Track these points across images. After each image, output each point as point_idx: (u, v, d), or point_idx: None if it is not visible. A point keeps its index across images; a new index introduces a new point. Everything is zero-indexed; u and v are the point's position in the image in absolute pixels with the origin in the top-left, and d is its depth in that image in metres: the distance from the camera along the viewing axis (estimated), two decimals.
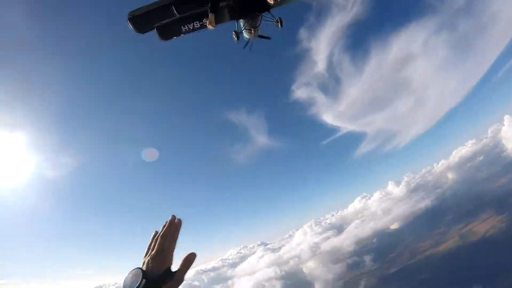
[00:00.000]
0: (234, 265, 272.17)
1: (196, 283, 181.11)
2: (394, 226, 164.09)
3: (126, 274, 2.08)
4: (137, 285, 2.10)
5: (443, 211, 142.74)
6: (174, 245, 2.43)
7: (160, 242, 2.44)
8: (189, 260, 2.47)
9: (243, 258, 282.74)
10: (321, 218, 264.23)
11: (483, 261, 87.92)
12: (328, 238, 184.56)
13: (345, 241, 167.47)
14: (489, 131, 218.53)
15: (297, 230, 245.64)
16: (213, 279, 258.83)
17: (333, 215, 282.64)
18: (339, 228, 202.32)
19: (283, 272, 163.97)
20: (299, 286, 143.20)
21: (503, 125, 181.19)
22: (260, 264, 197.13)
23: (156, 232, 2.52)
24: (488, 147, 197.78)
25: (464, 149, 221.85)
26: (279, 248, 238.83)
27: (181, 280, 2.37)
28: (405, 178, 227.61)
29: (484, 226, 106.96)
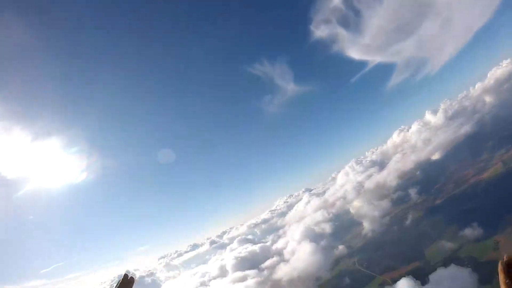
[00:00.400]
0: (283, 214, 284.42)
1: (250, 236, 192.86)
2: (436, 156, 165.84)
3: None
4: None
5: (484, 137, 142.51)
6: None
7: None
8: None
9: (290, 207, 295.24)
10: (361, 157, 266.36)
11: None
12: (370, 175, 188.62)
13: (388, 176, 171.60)
14: None
15: (339, 172, 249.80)
16: (265, 231, 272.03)
17: (373, 152, 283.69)
18: (380, 164, 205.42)
19: (330, 215, 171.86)
20: (347, 226, 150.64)
21: None
22: (307, 210, 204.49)
23: None
24: None
25: (499, 70, 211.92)
26: (324, 192, 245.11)
27: None
28: (442, 106, 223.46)
29: None
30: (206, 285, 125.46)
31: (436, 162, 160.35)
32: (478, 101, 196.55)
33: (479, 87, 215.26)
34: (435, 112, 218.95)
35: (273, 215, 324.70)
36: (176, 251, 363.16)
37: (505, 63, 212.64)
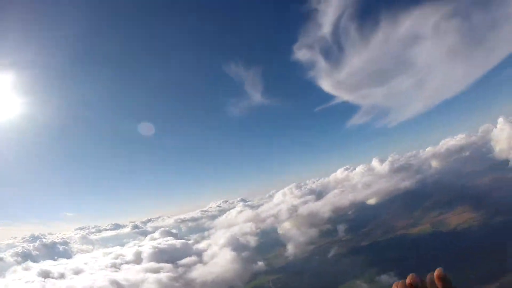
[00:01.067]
0: (213, 217, 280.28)
1: (174, 230, 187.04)
2: (372, 201, 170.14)
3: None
4: None
5: (421, 197, 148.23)
6: None
7: None
8: None
9: (222, 212, 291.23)
10: (302, 183, 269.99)
11: (449, 251, 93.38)
12: (306, 202, 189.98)
13: (323, 207, 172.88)
14: (480, 129, 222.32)
15: (278, 191, 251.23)
16: (191, 229, 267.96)
17: (314, 182, 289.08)
18: (318, 194, 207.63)
19: (258, 230, 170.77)
20: (272, 244, 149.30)
21: (495, 126, 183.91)
22: (238, 219, 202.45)
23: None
24: (477, 145, 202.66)
25: (452, 141, 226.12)
26: (258, 206, 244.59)
27: None
28: (390, 158, 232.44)
29: (457, 219, 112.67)
30: (117, 268, 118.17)
31: (370, 207, 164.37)
32: (424, 163, 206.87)
33: (429, 151, 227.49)
34: (382, 161, 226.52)
35: (203, 215, 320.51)
36: (96, 226, 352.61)
37: (459, 136, 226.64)
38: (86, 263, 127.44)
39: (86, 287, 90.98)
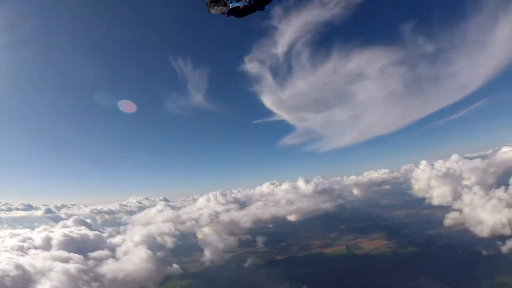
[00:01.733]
0: (131, 212, 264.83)
1: (89, 220, 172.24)
2: (292, 218, 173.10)
3: None
4: None
5: (339, 220, 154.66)
6: None
7: None
8: None
9: (142, 208, 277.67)
10: (228, 191, 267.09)
11: (360, 273, 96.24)
12: (229, 210, 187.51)
13: (244, 217, 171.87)
14: (403, 168, 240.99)
15: (202, 195, 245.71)
16: (107, 222, 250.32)
17: (239, 191, 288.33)
18: (241, 204, 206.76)
19: (177, 231, 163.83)
20: (189, 248, 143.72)
21: (417, 167, 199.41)
22: (157, 218, 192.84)
23: None
24: (397, 181, 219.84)
25: (375, 174, 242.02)
26: (180, 207, 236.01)
27: None
28: (315, 180, 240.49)
29: (371, 244, 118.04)
30: (24, 252, 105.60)
31: (290, 223, 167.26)
32: (346, 189, 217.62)
33: (353, 180, 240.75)
34: (307, 182, 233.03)
35: (122, 209, 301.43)
36: (7, 204, 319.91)
37: (383, 171, 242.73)
38: None
39: None
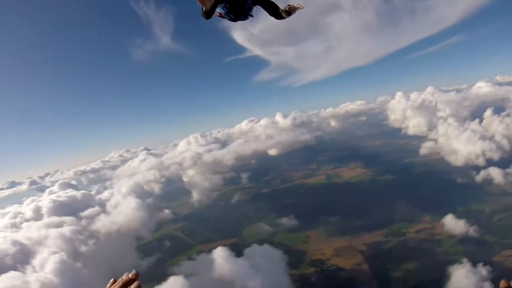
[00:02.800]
0: (114, 167, 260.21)
1: (74, 182, 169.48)
2: (273, 152, 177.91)
3: None
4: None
5: (318, 151, 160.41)
6: None
7: None
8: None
9: (124, 162, 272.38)
10: (207, 133, 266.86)
11: (341, 200, 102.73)
12: (211, 150, 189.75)
13: (226, 155, 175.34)
14: (378, 99, 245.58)
15: (182, 140, 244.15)
16: (92, 180, 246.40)
17: (219, 131, 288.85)
18: (223, 143, 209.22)
19: (163, 178, 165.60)
20: (177, 193, 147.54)
21: (394, 98, 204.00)
22: (141, 167, 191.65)
23: (114, 281, 2.36)
24: (374, 112, 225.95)
25: (352, 106, 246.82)
26: (162, 154, 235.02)
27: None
28: (293, 114, 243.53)
29: (350, 173, 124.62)
30: (18, 227, 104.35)
31: (271, 158, 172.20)
32: (324, 121, 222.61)
33: (330, 112, 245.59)
34: (285, 116, 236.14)
35: (105, 166, 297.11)
36: None
37: (359, 102, 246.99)
38: None
39: None
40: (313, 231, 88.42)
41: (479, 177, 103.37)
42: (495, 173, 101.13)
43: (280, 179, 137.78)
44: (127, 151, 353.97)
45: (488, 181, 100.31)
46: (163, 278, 69.74)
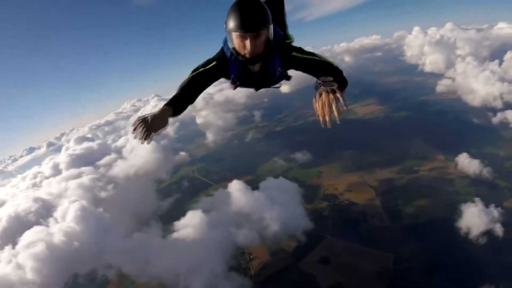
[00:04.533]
0: (128, 117, 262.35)
1: (89, 135, 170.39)
2: (286, 89, 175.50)
3: None
4: None
5: None
6: None
7: None
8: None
9: (137, 111, 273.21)
10: None
11: (354, 135, 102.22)
12: (221, 90, 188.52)
13: (239, 94, 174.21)
14: (395, 35, 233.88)
15: None
16: (108, 133, 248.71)
17: None
18: None
19: (176, 122, 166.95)
20: (192, 136, 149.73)
21: (410, 34, 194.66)
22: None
23: None
24: (390, 47, 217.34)
25: (367, 40, 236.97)
26: None
27: None
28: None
29: (365, 109, 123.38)
30: (39, 186, 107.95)
31: (284, 95, 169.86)
32: (337, 57, 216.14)
33: (344, 47, 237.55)
34: None
35: (118, 117, 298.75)
36: (11, 156, 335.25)
37: (374, 37, 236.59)
38: (7, 194, 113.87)
39: (11, 215, 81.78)
40: (326, 166, 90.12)
41: (495, 119, 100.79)
42: None
43: (293, 116, 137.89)
44: (139, 100, 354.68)
45: (505, 124, 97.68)
46: (183, 215, 73.52)
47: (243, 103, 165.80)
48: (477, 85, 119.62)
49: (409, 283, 52.46)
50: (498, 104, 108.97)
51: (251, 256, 62.56)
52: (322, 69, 3.54)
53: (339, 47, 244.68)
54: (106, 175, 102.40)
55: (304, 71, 3.72)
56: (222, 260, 60.84)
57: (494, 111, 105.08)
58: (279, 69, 3.64)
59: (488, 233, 59.64)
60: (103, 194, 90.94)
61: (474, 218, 61.37)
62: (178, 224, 72.70)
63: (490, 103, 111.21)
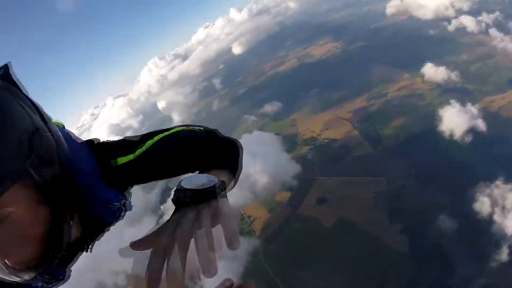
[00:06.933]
0: (90, 127, 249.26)
1: None
2: (238, 50, 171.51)
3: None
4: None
5: (284, 37, 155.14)
6: None
7: None
8: None
9: (97, 118, 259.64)
10: (166, 55, 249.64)
11: (317, 77, 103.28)
12: (173, 67, 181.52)
13: (191, 66, 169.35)
14: None
15: (141, 70, 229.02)
16: None
17: (177, 49, 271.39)
18: (184, 57, 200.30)
19: (136, 111, 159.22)
20: (157, 123, 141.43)
21: None
22: (112, 113, 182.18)
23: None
24: None
25: None
26: (127, 94, 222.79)
27: None
28: (248, 6, 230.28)
29: (321, 50, 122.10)
30: None
31: (238, 57, 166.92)
32: (282, 5, 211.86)
33: None
34: (240, 10, 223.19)
35: (81, 132, 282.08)
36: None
37: None
38: None
39: None
40: (298, 113, 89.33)
41: (451, 27, 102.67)
42: (467, 21, 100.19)
43: (252, 75, 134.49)
44: (96, 107, 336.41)
45: (461, 30, 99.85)
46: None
47: (199, 73, 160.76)
48: None
49: (407, 200, 53.80)
50: (451, 12, 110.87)
51: (251, 218, 61.82)
52: (174, 160, 1.89)
53: None
54: None
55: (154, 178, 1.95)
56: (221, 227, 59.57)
57: (449, 20, 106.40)
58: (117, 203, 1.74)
59: (472, 130, 61.72)
60: None
61: (455, 119, 62.95)
62: (165, 206, 70.77)
63: (443, 13, 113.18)
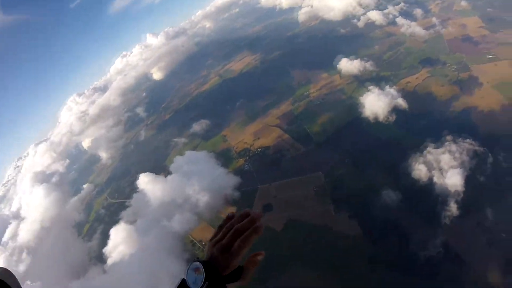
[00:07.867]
0: (15, 181, 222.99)
1: None
2: (159, 76, 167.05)
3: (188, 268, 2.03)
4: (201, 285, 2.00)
5: (203, 56, 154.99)
6: (246, 251, 2.23)
7: (232, 239, 2.23)
8: (257, 261, 2.41)
9: (21, 169, 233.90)
10: (85, 91, 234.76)
11: (240, 91, 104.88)
12: (94, 102, 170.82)
13: (111, 96, 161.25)
14: None
15: (60, 110, 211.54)
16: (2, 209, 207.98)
17: (96, 83, 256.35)
18: (103, 89, 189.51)
19: (61, 153, 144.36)
20: (86, 165, 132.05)
21: None
22: (35, 160, 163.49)
23: (232, 215, 2.23)
24: (244, 0, 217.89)
25: (220, 1, 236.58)
26: (49, 138, 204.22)
27: (245, 282, 2.28)
28: (164, 30, 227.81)
29: (240, 65, 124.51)
30: None
31: (160, 83, 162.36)
32: (198, 26, 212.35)
33: (200, 14, 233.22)
34: (156, 35, 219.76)
35: (7, 187, 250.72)
36: None
37: None
38: None
39: None
40: (228, 128, 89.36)
41: (361, 23, 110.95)
42: (375, 15, 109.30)
43: (177, 99, 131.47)
44: (20, 158, 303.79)
45: (370, 25, 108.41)
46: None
47: (120, 104, 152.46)
48: (334, 1, 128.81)
49: (348, 187, 55.55)
50: (359, 10, 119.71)
51: (203, 243, 59.04)
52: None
53: (196, 16, 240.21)
54: (18, 246, 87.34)
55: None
56: (175, 259, 56.28)
57: (358, 17, 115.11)
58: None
59: (395, 109, 65.82)
60: (21, 267, 77.16)
61: (376, 102, 66.76)
62: (107, 249, 65.68)
63: (351, 12, 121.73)
